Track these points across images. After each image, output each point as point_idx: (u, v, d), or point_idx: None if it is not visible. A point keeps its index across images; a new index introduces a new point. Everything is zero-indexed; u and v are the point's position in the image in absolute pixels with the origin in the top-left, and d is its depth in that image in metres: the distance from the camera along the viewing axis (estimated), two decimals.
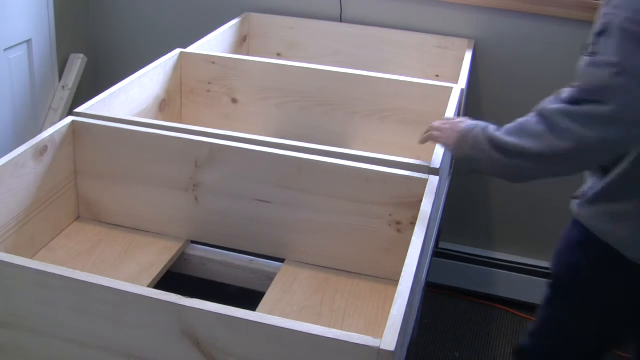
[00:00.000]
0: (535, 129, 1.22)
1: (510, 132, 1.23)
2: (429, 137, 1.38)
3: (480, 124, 1.28)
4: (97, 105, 1.50)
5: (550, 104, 1.22)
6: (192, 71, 1.87)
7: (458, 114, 1.80)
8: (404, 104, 1.74)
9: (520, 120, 1.24)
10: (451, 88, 1.74)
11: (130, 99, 1.64)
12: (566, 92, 1.21)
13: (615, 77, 1.12)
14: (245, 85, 1.85)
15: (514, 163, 1.23)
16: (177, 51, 1.87)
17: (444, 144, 1.35)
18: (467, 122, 1.30)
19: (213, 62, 1.85)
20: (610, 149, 1.18)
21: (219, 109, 1.88)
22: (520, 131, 1.22)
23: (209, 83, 1.87)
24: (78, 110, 1.46)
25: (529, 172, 1.25)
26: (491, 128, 1.25)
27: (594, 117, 1.14)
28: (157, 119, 1.71)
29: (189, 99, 1.90)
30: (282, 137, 1.40)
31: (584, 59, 1.19)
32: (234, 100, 1.87)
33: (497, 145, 1.22)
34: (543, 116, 1.20)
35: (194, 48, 1.95)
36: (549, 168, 1.23)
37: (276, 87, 1.82)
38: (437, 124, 1.36)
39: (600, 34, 1.17)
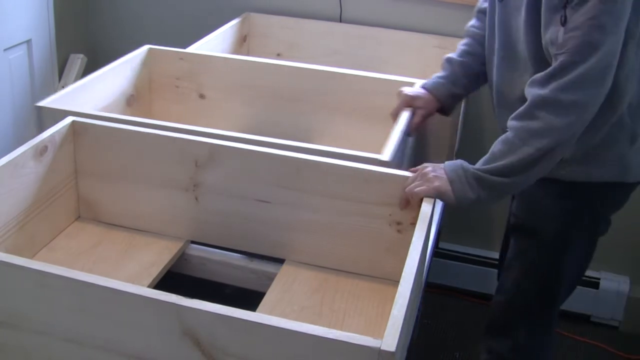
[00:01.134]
0: (533, 126, 1.24)
1: (502, 154, 1.27)
2: (413, 195, 1.27)
3: (456, 165, 1.30)
4: (62, 99, 1.51)
5: (533, 92, 1.27)
6: (160, 67, 1.88)
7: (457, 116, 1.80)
8: (372, 100, 1.74)
9: (498, 147, 1.29)
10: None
11: (96, 93, 1.66)
12: (548, 70, 1.26)
13: (594, 34, 1.20)
14: (213, 81, 1.86)
15: (524, 176, 1.28)
16: (146, 47, 1.88)
17: (436, 192, 1.27)
18: (438, 168, 1.30)
19: (181, 58, 1.87)
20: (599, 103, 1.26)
21: (188, 105, 1.89)
22: (511, 147, 1.27)
23: (178, 79, 1.88)
24: (41, 104, 1.48)
25: (537, 175, 1.29)
26: (474, 166, 1.30)
27: (584, 78, 1.21)
28: (125, 113, 1.73)
29: (159, 95, 1.91)
30: (250, 133, 1.42)
31: (559, 29, 1.23)
32: (202, 96, 1.88)
33: (500, 172, 1.27)
34: (531, 112, 1.26)
35: (194, 48, 1.95)
36: (557, 153, 1.27)
37: (243, 83, 1.84)
38: (409, 182, 1.29)
39: (568, 4, 1.22)
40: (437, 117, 1.75)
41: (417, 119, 1.60)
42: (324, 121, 1.80)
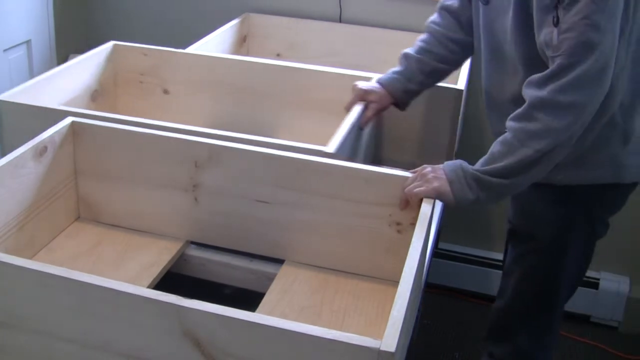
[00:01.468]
0: (531, 128, 1.24)
1: (501, 155, 1.27)
2: (412, 196, 1.27)
3: (455, 165, 1.29)
4: (22, 94, 1.53)
5: (531, 93, 1.27)
6: (125, 63, 1.91)
7: (456, 115, 1.80)
8: (332, 94, 1.75)
9: (497, 147, 1.29)
10: (451, 89, 1.74)
11: (58, 88, 1.68)
12: (546, 72, 1.25)
13: (589, 33, 1.20)
14: (176, 76, 1.89)
15: (523, 177, 1.28)
16: (111, 43, 1.90)
17: (436, 192, 1.27)
18: (438, 169, 1.30)
19: (145, 54, 1.89)
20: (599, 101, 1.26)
21: (152, 100, 1.91)
22: (509, 148, 1.27)
23: (142, 74, 1.90)
24: (1, 97, 1.49)
25: (537, 175, 1.29)
26: (474, 166, 1.29)
27: (582, 79, 1.21)
28: (89, 108, 1.75)
29: (124, 90, 1.93)
30: (213, 127, 1.44)
31: (552, 30, 1.23)
32: (166, 92, 1.90)
33: (499, 173, 1.27)
34: (529, 113, 1.26)
35: (194, 48, 1.95)
36: (556, 154, 1.27)
37: (206, 78, 1.86)
38: (408, 182, 1.29)
39: (559, 4, 1.22)
40: (435, 117, 1.75)
41: (369, 112, 1.61)
42: (286, 116, 1.83)
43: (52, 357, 1.02)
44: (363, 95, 1.61)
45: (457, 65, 1.68)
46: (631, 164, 1.41)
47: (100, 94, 1.85)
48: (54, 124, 1.39)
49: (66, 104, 1.67)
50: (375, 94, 1.62)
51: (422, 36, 1.65)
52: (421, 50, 1.63)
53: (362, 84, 1.63)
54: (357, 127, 1.56)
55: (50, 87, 1.64)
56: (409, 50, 1.64)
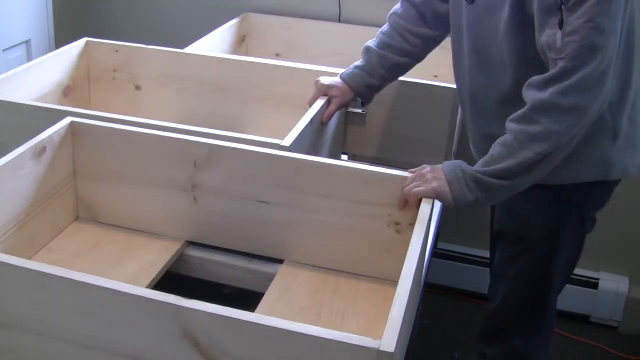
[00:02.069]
0: (532, 131, 1.24)
1: (501, 157, 1.27)
2: (412, 196, 1.26)
3: (455, 166, 1.29)
4: None
5: (533, 94, 1.26)
6: (97, 59, 1.93)
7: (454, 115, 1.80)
8: (298, 90, 1.77)
9: (497, 149, 1.28)
10: (450, 89, 1.74)
11: (31, 83, 1.70)
12: (548, 74, 1.25)
13: (594, 37, 1.19)
14: (147, 72, 1.91)
15: (523, 180, 1.28)
16: (84, 40, 1.92)
17: (435, 193, 1.27)
18: (437, 169, 1.29)
19: (117, 51, 1.91)
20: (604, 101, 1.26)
21: (125, 96, 1.94)
22: (510, 150, 1.27)
23: (114, 71, 1.93)
24: None
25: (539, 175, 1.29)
26: (473, 167, 1.29)
27: (584, 83, 1.21)
28: (61, 104, 1.76)
29: (97, 86, 1.96)
30: (184, 124, 1.46)
31: (556, 32, 1.22)
32: (138, 87, 1.93)
33: (499, 175, 1.26)
34: (530, 116, 1.25)
35: (193, 48, 1.95)
36: (556, 156, 1.27)
37: (175, 74, 1.89)
38: (408, 182, 1.28)
39: (563, 5, 1.21)
40: (434, 117, 1.75)
41: (331, 107, 1.63)
42: (254, 112, 1.85)
43: (51, 357, 1.02)
44: (325, 91, 1.64)
45: (419, 59, 1.67)
46: (617, 161, 1.41)
47: (73, 89, 1.88)
48: (27, 120, 1.43)
49: (38, 100, 1.70)
50: (337, 89, 1.63)
51: (384, 28, 1.65)
52: (382, 45, 1.63)
53: (324, 79, 1.65)
54: (319, 122, 1.59)
55: (21, 82, 1.67)
56: (371, 43, 1.65)
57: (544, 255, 1.48)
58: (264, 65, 1.84)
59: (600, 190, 1.47)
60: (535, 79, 1.26)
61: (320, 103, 1.61)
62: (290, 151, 1.34)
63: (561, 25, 1.21)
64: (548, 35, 1.24)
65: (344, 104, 1.66)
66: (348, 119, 1.81)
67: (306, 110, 1.57)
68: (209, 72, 1.86)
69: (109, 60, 1.93)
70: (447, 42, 2.15)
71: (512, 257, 1.53)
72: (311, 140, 1.53)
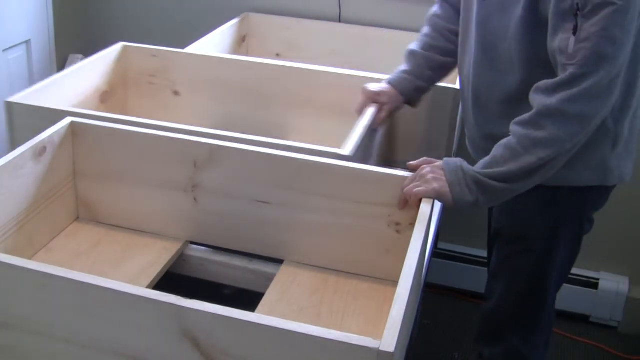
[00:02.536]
0: (537, 136, 1.24)
1: (503, 160, 1.27)
2: (412, 196, 1.26)
3: (456, 166, 1.28)
4: (32, 95, 1.53)
5: (540, 98, 1.25)
6: (135, 64, 1.91)
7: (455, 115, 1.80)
8: (342, 96, 1.75)
9: (500, 151, 1.28)
10: (450, 89, 1.75)
11: (69, 89, 1.68)
12: (556, 79, 1.24)
13: (605, 46, 1.19)
14: (185, 77, 1.89)
15: (523, 183, 1.28)
16: (120, 44, 1.90)
17: (435, 193, 1.26)
18: (437, 169, 1.29)
19: (154, 55, 1.89)
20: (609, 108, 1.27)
21: (162, 101, 1.92)
22: (512, 154, 1.27)
23: (151, 75, 1.91)
24: (11, 99, 1.49)
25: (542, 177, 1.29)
26: (474, 168, 1.29)
27: (592, 91, 1.21)
28: (98, 109, 1.75)
29: (133, 91, 1.93)
30: (222, 129, 1.44)
31: (569, 37, 1.22)
32: (176, 93, 1.91)
33: (500, 178, 1.26)
34: (536, 120, 1.25)
35: (193, 48, 1.95)
36: (558, 161, 1.27)
37: (215, 79, 1.86)
38: (407, 182, 1.28)
39: (579, 11, 1.20)
40: (434, 117, 1.75)
41: (382, 114, 1.61)
42: (295, 117, 1.83)
43: (51, 357, 1.02)
44: (374, 97, 1.61)
45: None
46: (615, 168, 1.42)
47: (110, 95, 1.85)
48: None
49: (76, 106, 1.66)
50: (386, 94, 1.61)
51: (425, 29, 1.65)
52: (426, 46, 1.62)
53: (372, 86, 1.63)
54: (371, 129, 1.56)
55: (60, 89, 1.64)
56: (414, 46, 1.64)
57: (541, 255, 1.48)
58: (305, 71, 1.81)
59: (597, 194, 1.47)
60: (543, 83, 1.26)
61: (371, 110, 1.58)
62: (351, 161, 1.33)
63: (575, 31, 1.20)
64: (561, 40, 1.23)
65: (394, 109, 1.64)
66: None
67: (341, 115, 1.55)
68: (248, 77, 1.83)
69: (145, 65, 1.90)
70: None
71: (509, 256, 1.53)
72: (365, 148, 1.52)
